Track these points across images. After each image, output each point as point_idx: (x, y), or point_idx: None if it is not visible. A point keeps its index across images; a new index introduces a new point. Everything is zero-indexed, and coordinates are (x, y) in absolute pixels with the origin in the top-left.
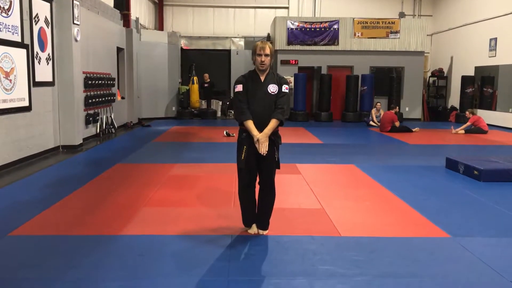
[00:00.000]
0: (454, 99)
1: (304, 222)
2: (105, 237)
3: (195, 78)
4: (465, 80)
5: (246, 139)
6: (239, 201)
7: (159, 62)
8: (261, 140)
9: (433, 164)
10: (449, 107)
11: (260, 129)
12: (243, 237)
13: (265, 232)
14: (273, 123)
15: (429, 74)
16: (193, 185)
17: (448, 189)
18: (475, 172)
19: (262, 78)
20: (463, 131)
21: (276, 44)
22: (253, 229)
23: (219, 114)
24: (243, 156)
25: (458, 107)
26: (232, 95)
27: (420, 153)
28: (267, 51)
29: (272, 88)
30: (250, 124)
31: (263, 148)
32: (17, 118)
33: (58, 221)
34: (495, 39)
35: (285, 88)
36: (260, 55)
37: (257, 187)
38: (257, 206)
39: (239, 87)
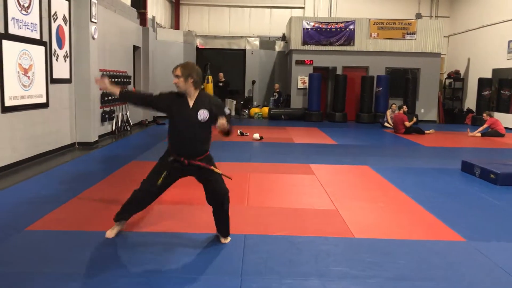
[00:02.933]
0: (470, 102)
1: (317, 223)
2: (119, 234)
3: (210, 77)
4: (482, 82)
5: (170, 164)
6: (132, 196)
7: (175, 61)
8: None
9: (449, 167)
10: (465, 109)
11: (188, 157)
12: (256, 236)
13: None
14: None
15: (445, 76)
16: None
17: (464, 192)
18: (492, 175)
19: (191, 103)
20: (479, 134)
21: (291, 44)
22: (113, 232)
23: (233, 113)
24: (160, 180)
25: (474, 109)
26: (246, 94)
27: (435, 156)
28: (177, 72)
29: (202, 115)
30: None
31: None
32: (35, 114)
33: (73, 216)
34: None
35: (227, 110)
36: (176, 76)
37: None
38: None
39: (161, 95)
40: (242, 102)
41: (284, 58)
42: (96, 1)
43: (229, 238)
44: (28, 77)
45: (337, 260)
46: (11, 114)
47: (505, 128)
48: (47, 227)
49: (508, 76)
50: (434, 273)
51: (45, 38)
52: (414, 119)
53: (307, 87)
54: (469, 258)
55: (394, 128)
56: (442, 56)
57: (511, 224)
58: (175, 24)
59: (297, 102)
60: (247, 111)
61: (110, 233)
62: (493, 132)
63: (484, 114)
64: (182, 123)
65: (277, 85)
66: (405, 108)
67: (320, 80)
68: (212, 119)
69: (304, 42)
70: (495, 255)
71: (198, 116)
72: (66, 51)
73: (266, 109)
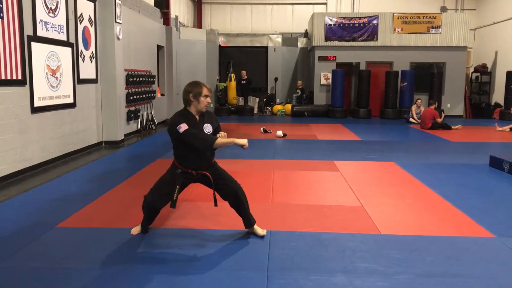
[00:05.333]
0: (498, 96)
1: (343, 220)
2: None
3: (232, 75)
4: (511, 75)
5: (180, 176)
6: (143, 210)
7: (198, 60)
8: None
9: (476, 162)
10: (492, 103)
11: (196, 168)
12: (282, 233)
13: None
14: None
15: (471, 69)
16: None
17: (493, 188)
18: None
19: (197, 118)
20: (508, 129)
21: (314, 40)
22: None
23: (256, 110)
24: (175, 196)
25: (502, 104)
26: (269, 91)
27: (462, 151)
28: (209, 92)
29: (208, 128)
30: (222, 139)
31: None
32: (63, 114)
33: (102, 214)
34: None
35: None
36: (207, 96)
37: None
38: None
39: (185, 125)
40: (265, 100)
41: (306, 55)
42: (120, 2)
43: (264, 231)
44: (56, 78)
45: (363, 256)
46: (40, 114)
47: None
48: (77, 224)
49: None
50: (463, 270)
51: (72, 40)
52: (443, 115)
53: (330, 84)
54: (498, 255)
55: (420, 123)
56: (468, 49)
57: None
58: (198, 23)
59: (320, 98)
60: (270, 108)
61: (135, 230)
62: None
63: None
64: None
65: (299, 82)
66: (436, 104)
67: (343, 76)
68: (215, 131)
69: (327, 38)
70: None
71: (205, 129)
72: (92, 52)
73: (289, 106)
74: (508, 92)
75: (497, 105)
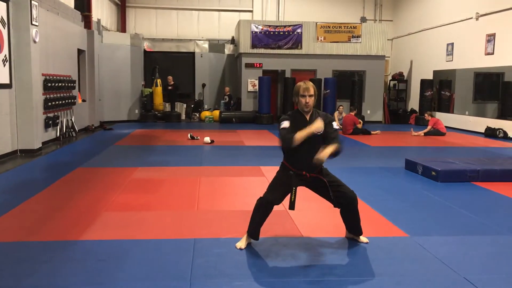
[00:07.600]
0: (414, 102)
1: (267, 224)
2: (65, 243)
3: (158, 80)
4: (424, 83)
5: (295, 178)
6: (255, 214)
7: (122, 64)
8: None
9: (393, 166)
10: (409, 110)
11: (308, 170)
12: (206, 240)
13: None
14: (333, 147)
15: (389, 77)
16: (156, 189)
17: (407, 189)
18: (433, 173)
19: (308, 118)
20: (422, 134)
21: (240, 47)
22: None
23: (183, 117)
24: (293, 198)
25: (417, 110)
26: (196, 97)
27: (380, 155)
28: (311, 91)
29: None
30: (299, 134)
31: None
32: None
33: (16, 227)
34: (452, 44)
35: (335, 125)
36: (304, 96)
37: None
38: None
39: (286, 123)
40: (192, 106)
41: (234, 61)
42: (37, 3)
43: (366, 239)
44: None
45: (286, 259)
46: None
47: (446, 127)
48: None
49: (447, 77)
50: (378, 269)
51: None
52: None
53: (257, 90)
54: (411, 253)
55: (342, 129)
56: (386, 58)
57: (450, 218)
58: (122, 27)
59: (247, 105)
60: (197, 115)
61: (243, 243)
62: (434, 131)
63: (426, 114)
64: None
65: (227, 88)
66: (355, 111)
67: (269, 83)
68: (325, 135)
69: (253, 46)
70: (435, 248)
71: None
72: (5, 55)
73: (217, 112)
74: (422, 99)
75: (412, 111)
